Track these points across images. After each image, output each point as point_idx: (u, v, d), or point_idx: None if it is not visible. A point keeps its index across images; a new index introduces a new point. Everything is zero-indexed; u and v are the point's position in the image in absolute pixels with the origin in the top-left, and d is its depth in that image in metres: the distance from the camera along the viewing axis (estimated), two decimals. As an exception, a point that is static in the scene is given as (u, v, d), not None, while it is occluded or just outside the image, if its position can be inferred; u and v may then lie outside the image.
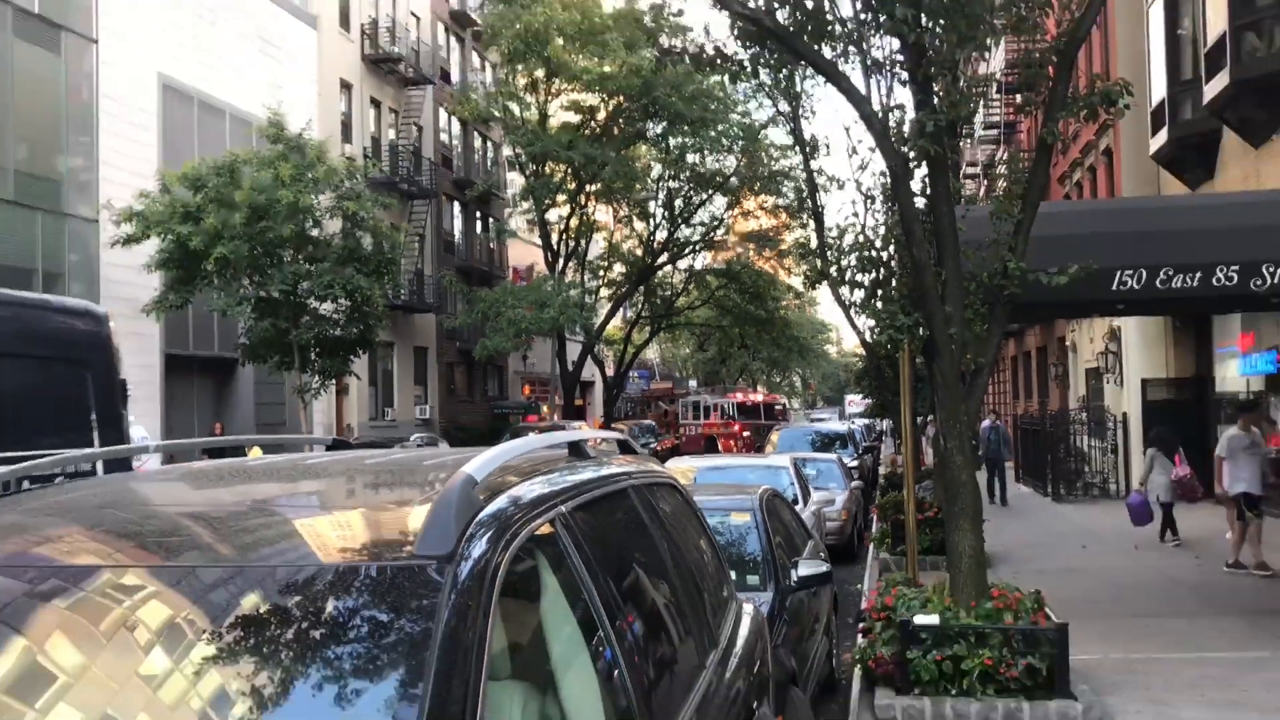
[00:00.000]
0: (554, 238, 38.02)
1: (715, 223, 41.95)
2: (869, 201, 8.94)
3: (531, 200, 36.27)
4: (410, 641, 1.88)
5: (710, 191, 39.83)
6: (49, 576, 2.10)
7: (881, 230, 8.72)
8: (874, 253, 8.30)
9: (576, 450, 3.29)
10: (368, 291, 22.29)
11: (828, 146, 23.33)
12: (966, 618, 6.93)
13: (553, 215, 38.31)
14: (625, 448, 4.04)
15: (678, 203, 39.87)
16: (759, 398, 51.62)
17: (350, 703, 1.81)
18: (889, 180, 7.87)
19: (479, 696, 1.81)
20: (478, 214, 43.15)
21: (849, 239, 9.00)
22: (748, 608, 4.43)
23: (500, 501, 2.29)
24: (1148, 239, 8.64)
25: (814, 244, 35.05)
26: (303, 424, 24.32)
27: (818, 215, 25.88)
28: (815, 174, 24.32)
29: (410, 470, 3.15)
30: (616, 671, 2.44)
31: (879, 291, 8.20)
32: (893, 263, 8.23)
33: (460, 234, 42.12)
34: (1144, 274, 8.26)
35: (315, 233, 22.49)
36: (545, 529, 2.37)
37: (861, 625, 8.07)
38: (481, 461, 2.29)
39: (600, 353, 43.21)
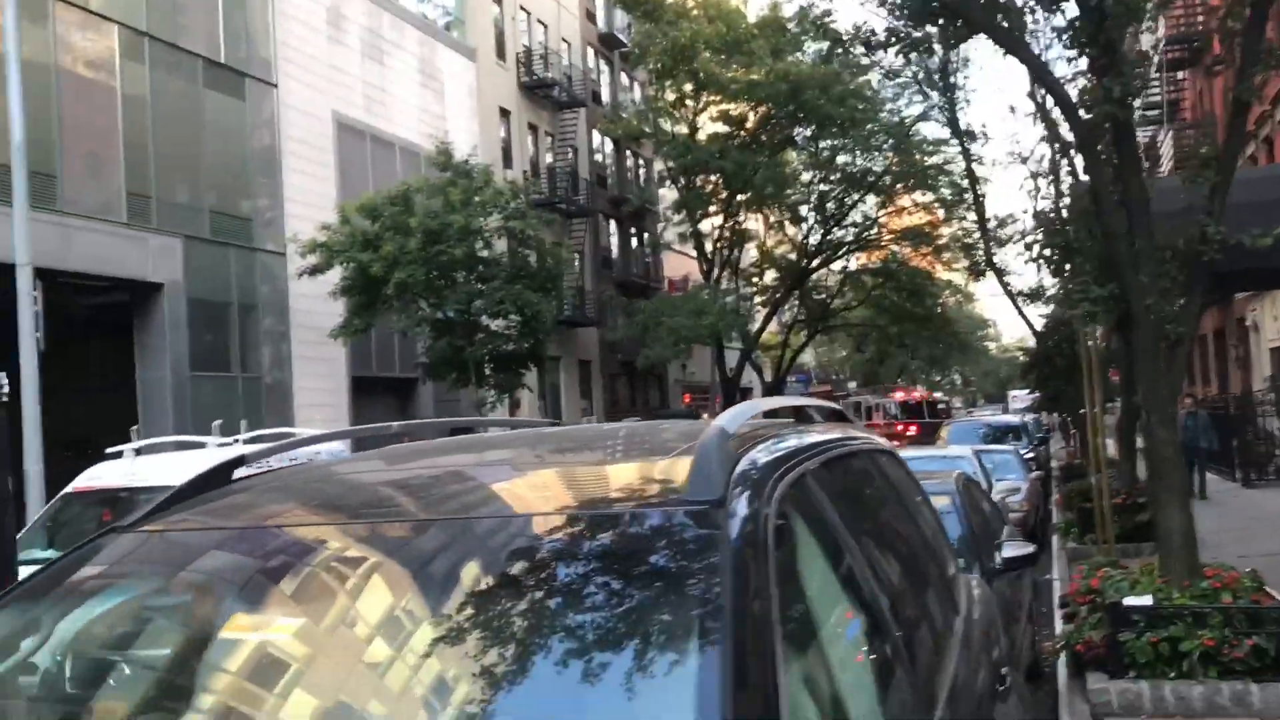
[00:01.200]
0: (708, 247, 38.32)
1: (868, 222, 41.54)
2: (1040, 180, 8.89)
3: (685, 212, 36.66)
4: (695, 588, 1.84)
5: (862, 192, 39.47)
6: (346, 531, 2.24)
7: (1065, 203, 8.62)
8: (1062, 226, 8.22)
9: (801, 415, 3.33)
10: (537, 306, 23.02)
11: (985, 134, 22.84)
12: (1181, 598, 6.76)
13: (705, 226, 38.63)
14: (839, 417, 3.87)
15: (829, 205, 39.65)
16: (920, 396, 50.60)
17: (640, 650, 1.77)
18: (1057, 155, 7.81)
19: (775, 643, 1.75)
20: (632, 229, 43.86)
21: (1022, 221, 8.94)
22: (974, 579, 4.26)
23: (756, 453, 2.28)
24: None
25: (975, 234, 34.37)
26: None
27: (978, 204, 25.51)
28: (974, 162, 24.07)
29: (648, 433, 3.19)
30: (881, 632, 2.36)
31: (1068, 266, 8.13)
32: (1082, 235, 8.12)
33: (617, 249, 42.88)
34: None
35: (485, 253, 23.36)
36: (799, 483, 2.32)
37: (1064, 610, 7.99)
38: (731, 415, 2.32)
39: (758, 358, 43.21)
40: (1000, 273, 23.30)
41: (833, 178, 38.75)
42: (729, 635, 1.70)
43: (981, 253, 26.49)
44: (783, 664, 1.74)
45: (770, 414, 3.06)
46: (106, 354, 21.05)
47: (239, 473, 2.71)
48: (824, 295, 43.89)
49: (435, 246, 21.86)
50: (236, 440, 12.62)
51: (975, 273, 28.47)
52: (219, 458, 10.40)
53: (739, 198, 37.00)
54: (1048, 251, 8.17)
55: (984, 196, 25.25)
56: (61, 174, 18.90)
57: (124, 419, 19.01)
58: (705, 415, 41.89)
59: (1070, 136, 7.42)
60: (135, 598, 2.22)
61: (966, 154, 23.77)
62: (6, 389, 4.70)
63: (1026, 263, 9.00)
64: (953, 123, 23.61)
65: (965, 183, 35.86)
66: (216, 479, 2.64)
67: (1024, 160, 8.09)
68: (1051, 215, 8.17)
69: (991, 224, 25.18)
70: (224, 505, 2.48)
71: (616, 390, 41.86)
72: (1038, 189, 11.07)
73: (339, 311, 24.09)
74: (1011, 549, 6.89)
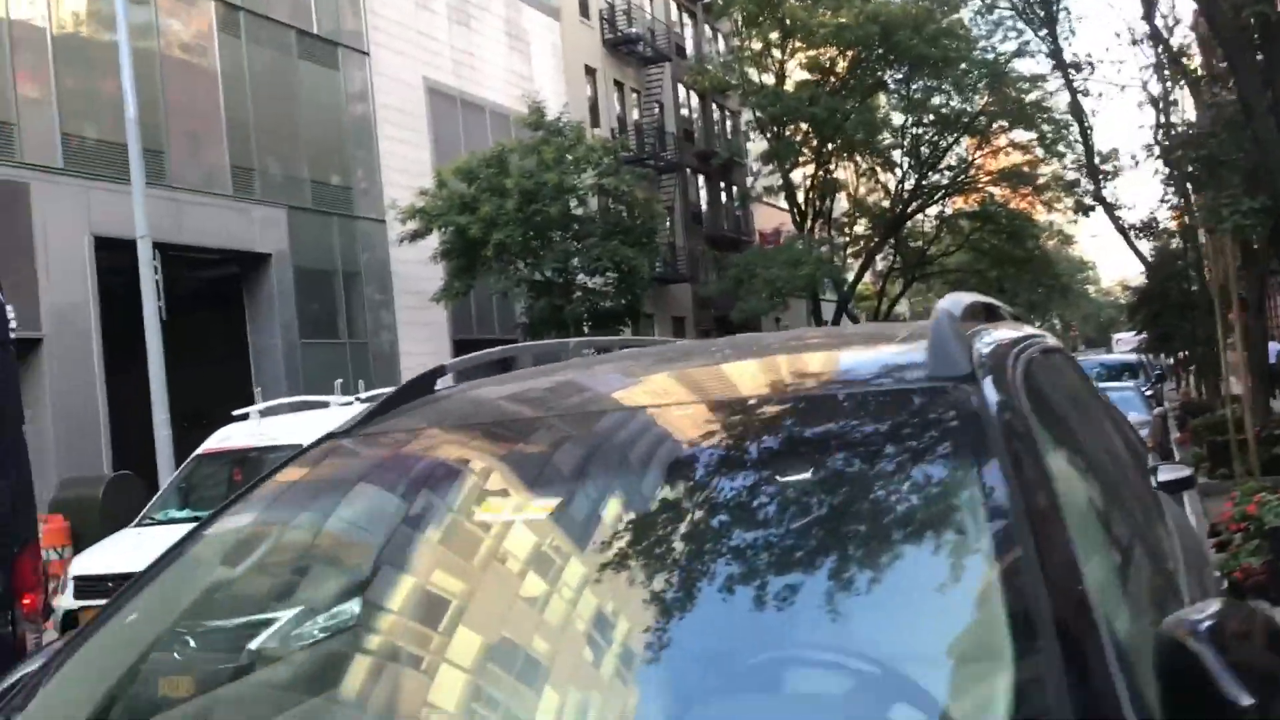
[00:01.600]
0: (799, 198, 37.83)
1: (964, 165, 40.53)
2: (1157, 105, 8.50)
3: (775, 162, 36.20)
4: (959, 473, 1.74)
5: (957, 133, 38.52)
6: (577, 422, 2.18)
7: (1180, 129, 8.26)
8: (1206, 138, 7.86)
9: (991, 313, 3.25)
10: (634, 261, 22.96)
11: (1091, 64, 21.74)
12: (1343, 520, 6.54)
13: (796, 176, 38.11)
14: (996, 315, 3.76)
15: (923, 149, 38.79)
16: None
17: (909, 545, 1.68)
18: (1168, 81, 7.44)
19: (1068, 531, 1.59)
20: (721, 183, 43.47)
21: (1133, 153, 8.57)
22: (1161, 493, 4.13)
23: (984, 337, 2.18)
24: None
25: (1080, 171, 33.26)
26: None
27: (1085, 138, 24.63)
28: (1081, 94, 23.21)
29: (847, 331, 3.06)
30: (1119, 529, 2.23)
31: (1212, 178, 7.76)
32: (1229, 146, 7.75)
33: (706, 204, 42.57)
34: None
35: (579, 211, 23.36)
36: (1029, 368, 2.18)
37: (1215, 539, 7.72)
38: (950, 301, 2.20)
39: (854, 309, 42.66)
40: (1110, 207, 22.56)
41: (926, 120, 37.88)
42: (1022, 526, 1.54)
43: (1087, 188, 25.69)
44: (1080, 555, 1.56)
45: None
46: (219, 326, 21.58)
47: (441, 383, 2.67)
48: (919, 242, 43.07)
49: (531, 206, 21.91)
50: (357, 399, 12.84)
51: (1082, 209, 27.62)
52: (341, 416, 10.50)
53: (829, 146, 36.41)
54: (1190, 167, 7.82)
55: (1091, 130, 24.35)
56: (168, 150, 19.34)
57: (238, 388, 19.57)
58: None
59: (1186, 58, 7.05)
60: (371, 495, 2.19)
61: (1071, 87, 22.90)
62: (14, 322, 4.58)
63: (1165, 181, 8.62)
64: (1056, 54, 22.75)
65: (1066, 118, 34.83)
66: (419, 389, 2.61)
67: (1144, 86, 7.67)
68: (1190, 130, 7.78)
69: (1099, 159, 24.30)
70: (437, 410, 2.45)
71: (712, 346, 41.75)
72: (1163, 110, 10.57)
73: (439, 276, 24.34)
74: (1167, 472, 6.66)
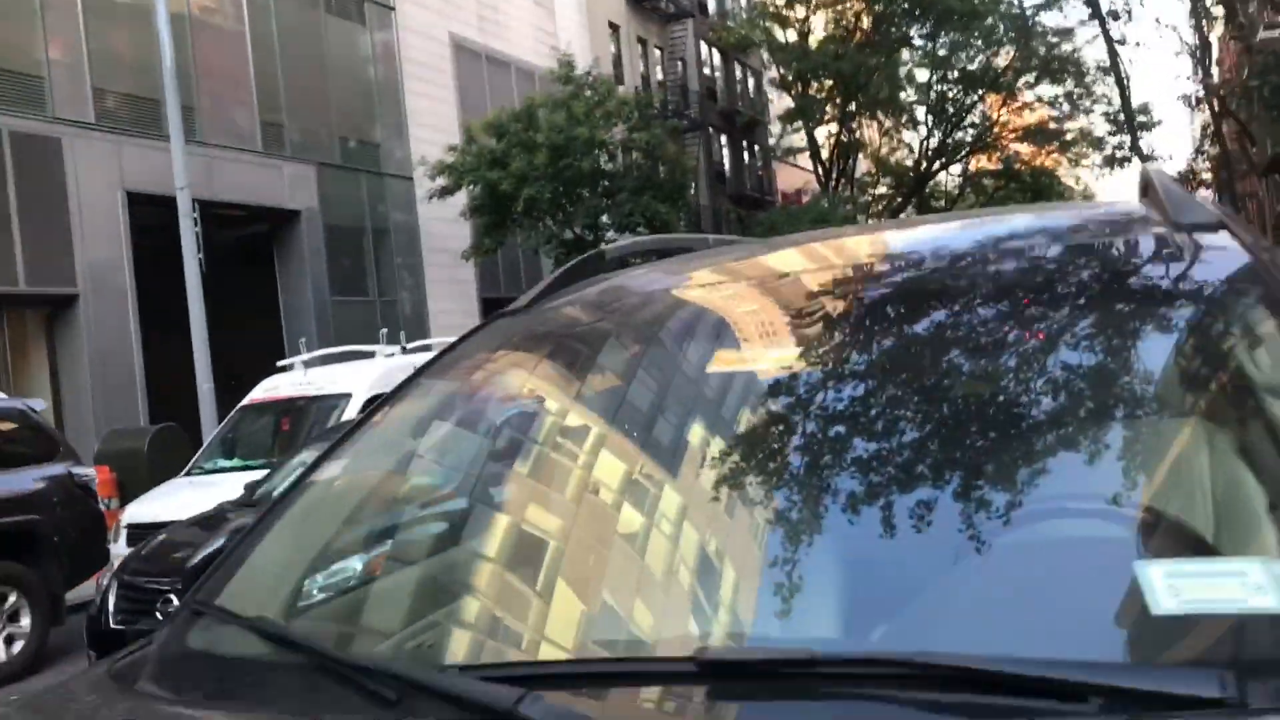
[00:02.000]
0: (823, 156, 37.47)
1: (988, 122, 40.08)
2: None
3: (800, 120, 35.83)
4: (1231, 310, 1.66)
5: (982, 90, 38.03)
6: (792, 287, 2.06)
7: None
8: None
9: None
10: (665, 217, 22.78)
11: (1129, 12, 21.23)
12: None
13: (819, 135, 37.73)
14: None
15: (947, 106, 38.34)
16: None
17: (1191, 376, 1.60)
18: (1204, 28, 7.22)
19: None
20: (744, 142, 43.12)
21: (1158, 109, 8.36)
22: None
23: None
24: None
25: (1110, 124, 32.86)
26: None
27: (1122, 88, 24.32)
28: (1118, 43, 22.87)
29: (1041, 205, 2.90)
30: None
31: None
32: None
33: (729, 164, 42.24)
34: None
35: (609, 166, 23.16)
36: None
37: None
38: (1154, 169, 2.15)
39: (877, 269, 42.35)
40: (1146, 159, 22.28)
41: (951, 76, 37.41)
42: None
43: (1120, 141, 25.34)
44: None
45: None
46: (250, 284, 21.54)
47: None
48: (943, 201, 42.70)
49: (562, 161, 21.73)
50: (402, 349, 12.84)
51: (1115, 163, 27.27)
52: (388, 366, 10.47)
53: (853, 104, 36.01)
54: (1266, 89, 7.60)
55: (1128, 79, 24.01)
56: (198, 106, 19.19)
57: (270, 347, 19.55)
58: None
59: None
60: (597, 353, 2.06)
61: (1108, 36, 22.57)
62: None
63: (1234, 106, 8.37)
64: (1093, 1, 22.39)
65: (1096, 72, 34.39)
66: (587, 269, 2.52)
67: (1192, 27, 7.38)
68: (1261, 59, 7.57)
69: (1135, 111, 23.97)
70: (626, 281, 2.35)
71: (735, 306, 41.53)
72: (1202, 56, 10.30)
73: (467, 234, 24.21)
74: None
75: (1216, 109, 7.13)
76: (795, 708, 1.17)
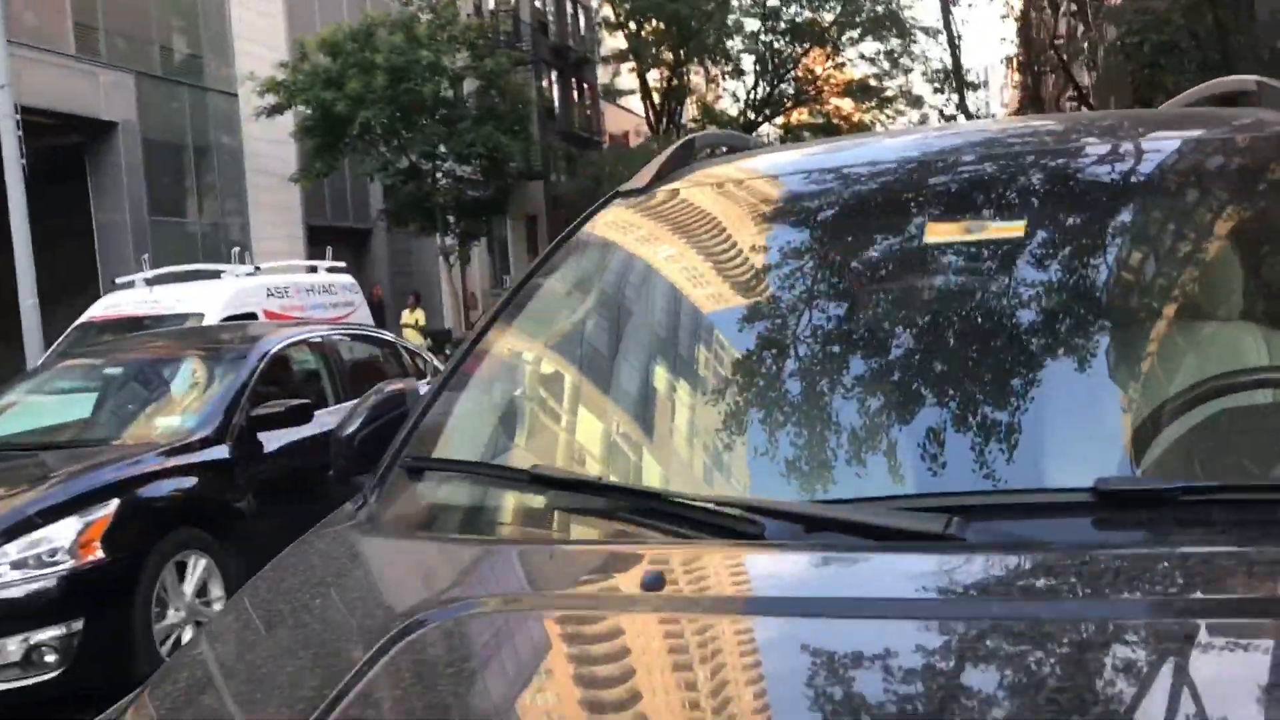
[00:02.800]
0: (654, 100, 37.61)
1: (811, 77, 41.07)
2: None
3: (632, 59, 35.78)
4: None
5: (808, 44, 38.93)
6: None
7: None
8: (1170, 23, 8.16)
9: None
10: (508, 149, 22.41)
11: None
12: None
13: (652, 77, 37.83)
14: None
15: (774, 59, 39.08)
16: None
17: None
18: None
19: None
20: (573, 80, 42.74)
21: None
22: None
23: None
24: None
25: (932, 84, 34.22)
26: (445, 288, 24.76)
27: (953, 47, 25.43)
28: (953, 1, 23.77)
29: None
30: None
31: (1160, 61, 8.09)
32: (1183, 35, 8.09)
33: (559, 101, 41.82)
34: None
35: (450, 93, 22.55)
36: None
37: None
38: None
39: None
40: (972, 118, 23.38)
41: (779, 28, 38.11)
42: None
43: (945, 99, 26.47)
44: None
45: None
46: (61, 200, 19.98)
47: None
48: (764, 151, 43.62)
49: (402, 85, 21.03)
50: (259, 269, 12.26)
51: (944, 118, 28.56)
52: (239, 286, 10.02)
53: (683, 50, 36.22)
54: (1147, 45, 8.11)
55: (960, 39, 25.06)
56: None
57: (82, 267, 18.29)
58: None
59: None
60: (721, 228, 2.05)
61: (942, -6, 23.42)
62: None
63: (1117, 53, 8.85)
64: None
65: (918, 31, 35.74)
66: (682, 156, 2.47)
67: None
68: (1145, 10, 8.08)
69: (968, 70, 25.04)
70: (745, 163, 2.34)
71: (561, 246, 41.37)
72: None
73: (294, 157, 23.19)
74: None
75: (1048, 69, 7.57)
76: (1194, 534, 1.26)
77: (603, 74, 42.93)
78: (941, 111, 27.62)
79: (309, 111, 21.49)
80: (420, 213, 23.43)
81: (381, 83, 20.73)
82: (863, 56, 39.83)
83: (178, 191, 21.82)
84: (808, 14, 37.90)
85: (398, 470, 1.73)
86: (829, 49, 39.31)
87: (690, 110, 41.90)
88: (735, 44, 38.88)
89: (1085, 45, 20.87)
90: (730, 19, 37.99)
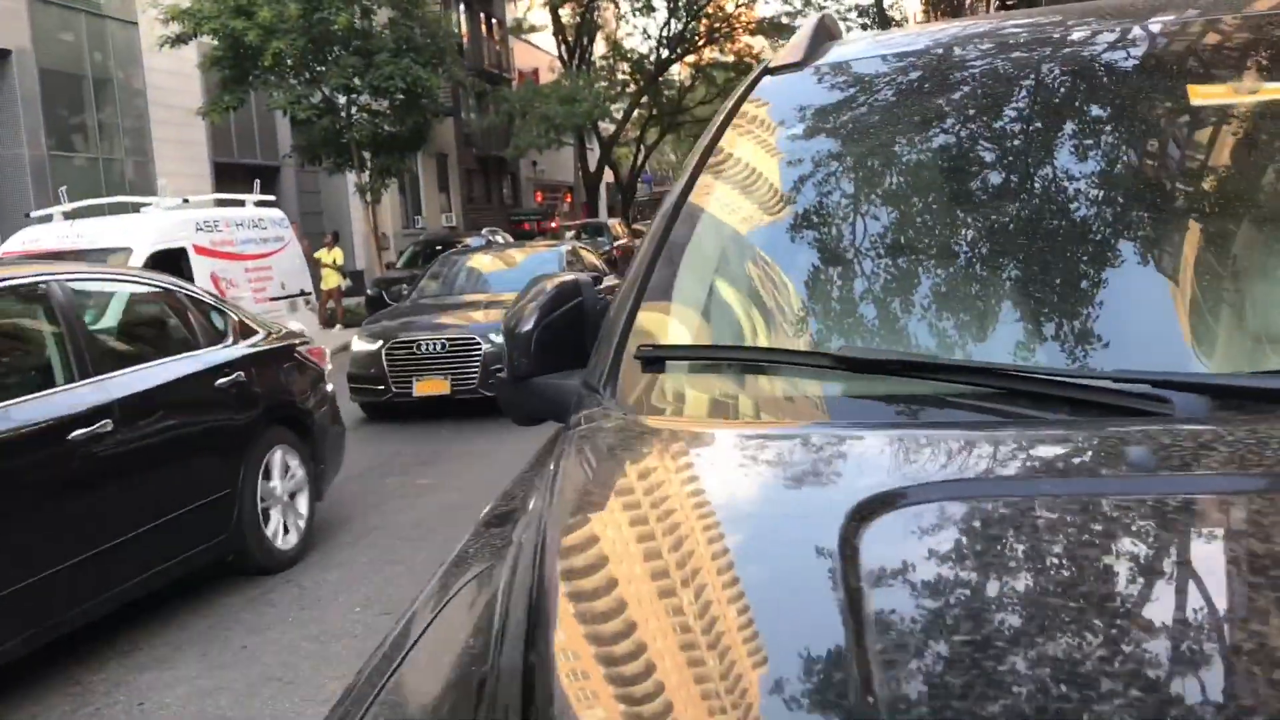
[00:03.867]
0: (569, 36, 36.98)
1: (724, 13, 40.84)
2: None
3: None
4: None
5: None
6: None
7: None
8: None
9: None
10: (428, 83, 21.73)
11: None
12: None
13: (564, 13, 37.17)
14: None
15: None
16: None
17: None
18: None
19: None
20: (481, 15, 41.72)
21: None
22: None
23: None
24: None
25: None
26: (363, 228, 24.04)
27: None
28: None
29: None
30: None
31: None
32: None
33: (468, 35, 40.80)
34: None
35: (366, 24, 21.74)
36: None
37: None
38: None
39: (614, 157, 42.68)
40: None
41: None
42: None
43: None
44: None
45: None
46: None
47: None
48: (674, 90, 43.36)
49: (316, 15, 20.18)
50: (187, 201, 11.72)
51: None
52: (170, 219, 9.57)
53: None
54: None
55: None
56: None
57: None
58: (556, 216, 41.41)
59: None
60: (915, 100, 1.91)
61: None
62: None
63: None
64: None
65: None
66: (823, 33, 2.31)
67: None
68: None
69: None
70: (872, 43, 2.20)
71: (473, 186, 40.61)
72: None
73: (200, 91, 22.17)
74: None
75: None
76: None
77: (512, 9, 42.01)
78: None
79: (216, 42, 20.50)
80: (335, 149, 22.66)
81: (295, 11, 19.87)
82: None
83: (77, 125, 20.70)
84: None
85: (630, 362, 1.55)
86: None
87: (601, 46, 41.37)
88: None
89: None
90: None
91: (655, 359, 1.53)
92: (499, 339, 9.05)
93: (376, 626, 4.89)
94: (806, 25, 2.32)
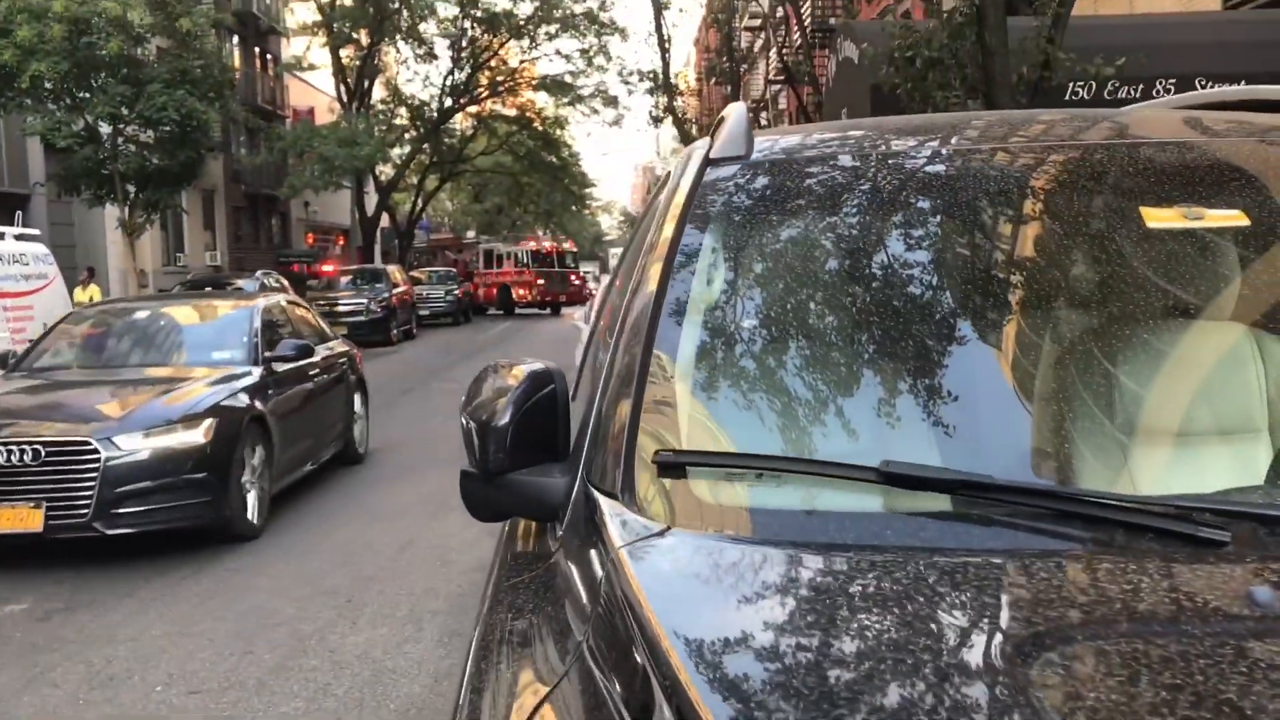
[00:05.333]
0: (349, 77, 36.22)
1: (509, 69, 41.12)
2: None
3: (327, 34, 34.22)
4: None
5: (506, 35, 38.90)
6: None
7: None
8: (935, 41, 8.70)
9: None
10: (203, 116, 20.71)
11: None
12: None
13: (345, 55, 36.44)
14: None
15: (475, 45, 38.79)
16: (550, 246, 50.43)
17: None
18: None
19: None
20: (257, 50, 40.31)
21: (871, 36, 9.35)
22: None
23: None
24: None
25: (630, 84, 35.13)
26: (124, 265, 22.56)
27: (663, 51, 26.10)
28: (665, 7, 24.47)
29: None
30: None
31: (929, 76, 8.65)
32: (946, 52, 8.67)
33: (240, 70, 39.28)
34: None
35: (139, 52, 20.57)
36: None
37: None
38: None
39: (392, 202, 41.95)
40: (680, 120, 24.18)
41: (476, 14, 37.80)
42: None
43: (665, 95, 27.00)
44: None
45: None
46: None
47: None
48: (455, 139, 43.19)
49: (83, 39, 18.94)
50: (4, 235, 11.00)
51: (656, 120, 29.24)
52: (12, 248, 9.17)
53: (383, 23, 35.14)
54: (918, 60, 8.62)
55: (670, 41, 25.78)
56: None
57: None
58: (332, 258, 40.21)
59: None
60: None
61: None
62: None
63: (885, 70, 9.33)
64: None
65: (616, 33, 36.55)
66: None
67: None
68: (910, 28, 8.64)
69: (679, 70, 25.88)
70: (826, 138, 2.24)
71: (240, 224, 38.90)
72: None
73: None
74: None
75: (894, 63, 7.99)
76: None
77: (289, 46, 40.75)
78: (651, 112, 28.37)
79: (-36, 59, 18.90)
80: (96, 180, 21.24)
81: (58, 32, 18.59)
82: (559, 53, 40.32)
83: None
84: (505, 5, 37.89)
85: (645, 465, 1.49)
86: (526, 42, 39.46)
87: (380, 90, 40.72)
88: (430, 28, 38.25)
89: (799, 58, 22.12)
90: (427, 0, 37.25)
91: (676, 464, 1.46)
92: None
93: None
94: (738, 116, 2.26)
